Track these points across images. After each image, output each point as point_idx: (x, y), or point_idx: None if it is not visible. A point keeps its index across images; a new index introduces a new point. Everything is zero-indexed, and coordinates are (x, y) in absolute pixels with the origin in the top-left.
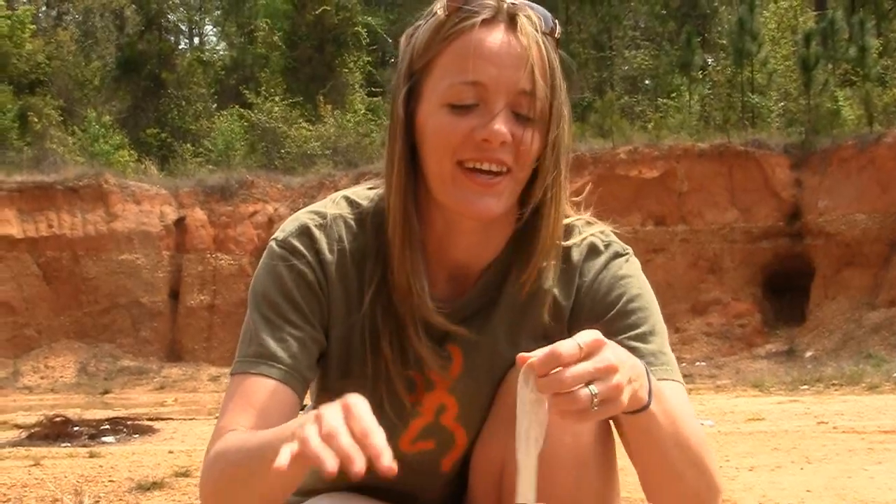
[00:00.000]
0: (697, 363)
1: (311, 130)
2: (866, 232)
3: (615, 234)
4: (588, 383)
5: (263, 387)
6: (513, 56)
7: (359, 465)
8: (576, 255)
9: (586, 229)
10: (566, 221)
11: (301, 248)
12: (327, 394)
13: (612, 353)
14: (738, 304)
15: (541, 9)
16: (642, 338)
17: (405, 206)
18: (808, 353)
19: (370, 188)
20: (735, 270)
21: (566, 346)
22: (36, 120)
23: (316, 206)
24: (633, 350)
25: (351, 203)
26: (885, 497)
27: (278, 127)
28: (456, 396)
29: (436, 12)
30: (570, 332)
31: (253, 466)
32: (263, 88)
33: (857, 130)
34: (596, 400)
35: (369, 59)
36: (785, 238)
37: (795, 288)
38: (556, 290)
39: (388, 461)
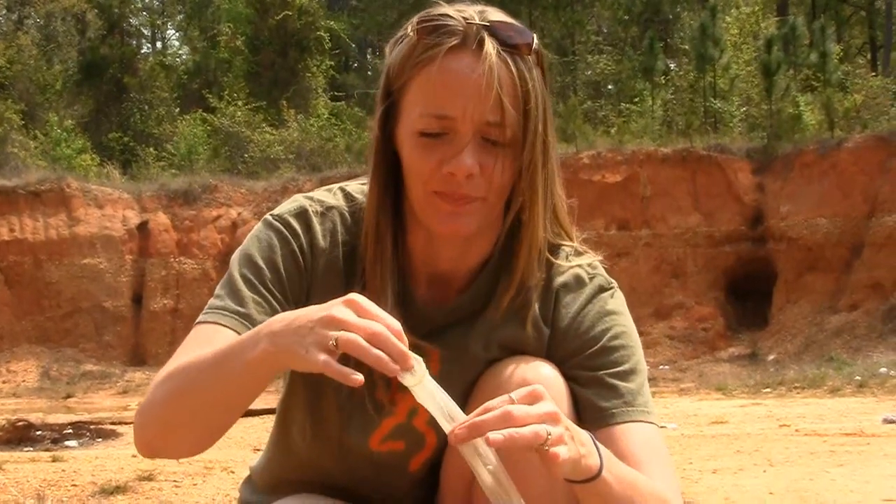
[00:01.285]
0: (661, 367)
1: (274, 135)
2: (828, 236)
3: (603, 265)
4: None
5: (223, 336)
6: (479, 86)
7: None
8: (557, 281)
9: (574, 259)
10: (558, 243)
11: (297, 227)
12: (302, 380)
13: (553, 405)
14: (700, 308)
15: (516, 25)
16: (622, 376)
17: (378, 222)
18: (771, 357)
19: (363, 184)
20: (698, 275)
21: (496, 400)
22: None
23: (314, 194)
24: (612, 388)
25: (347, 196)
26: (846, 499)
27: (241, 131)
28: None
29: (409, 33)
30: (549, 359)
31: (205, 374)
32: (226, 93)
33: (819, 135)
34: (550, 439)
35: (332, 63)
36: (747, 242)
37: (758, 292)
38: (537, 307)
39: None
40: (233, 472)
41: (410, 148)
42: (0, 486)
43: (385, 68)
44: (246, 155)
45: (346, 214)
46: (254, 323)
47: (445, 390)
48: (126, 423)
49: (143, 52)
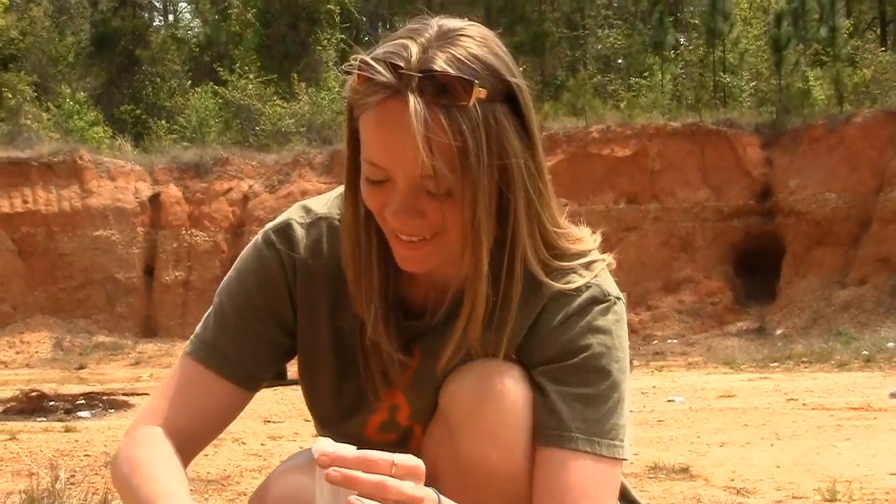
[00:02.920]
0: (669, 340)
1: (285, 108)
2: (836, 211)
3: (611, 273)
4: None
5: (202, 377)
6: (406, 141)
7: None
8: (548, 295)
9: (578, 274)
10: (572, 250)
11: (278, 243)
12: (306, 375)
13: (423, 491)
14: (709, 282)
15: (462, 67)
16: (587, 399)
17: (356, 242)
18: (779, 331)
19: None
20: (706, 249)
21: (379, 456)
22: (10, 96)
23: (309, 203)
24: (570, 409)
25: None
26: (852, 472)
27: (252, 104)
28: (406, 397)
29: (354, 70)
30: (520, 360)
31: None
32: (237, 66)
33: (828, 110)
34: None
35: (343, 36)
36: (756, 217)
37: (766, 266)
38: (506, 320)
39: None
40: (244, 444)
41: (362, 187)
42: (14, 456)
43: (346, 94)
44: (257, 128)
45: (338, 224)
46: (223, 356)
47: (417, 388)
48: (138, 395)
49: (154, 24)
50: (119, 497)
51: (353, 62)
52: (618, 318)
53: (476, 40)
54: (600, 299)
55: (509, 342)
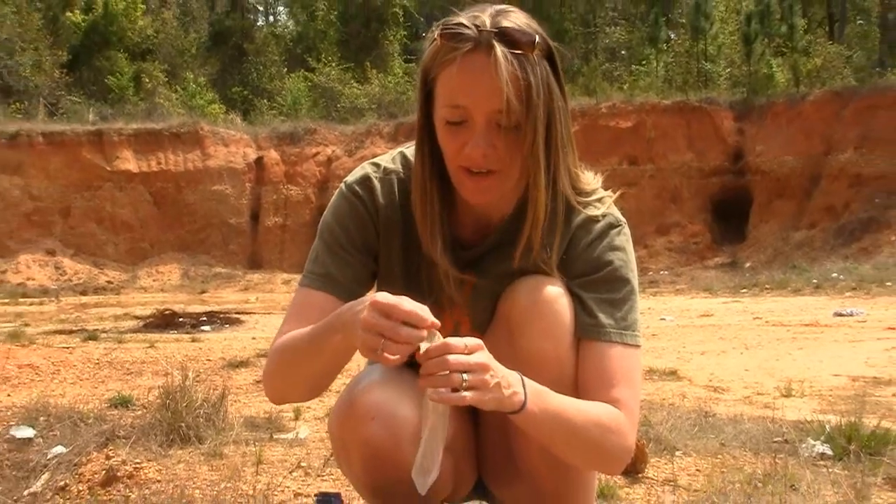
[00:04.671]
0: (661, 272)
1: (360, 89)
2: (793, 170)
3: (616, 206)
4: (464, 372)
5: (318, 299)
6: (487, 83)
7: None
8: (576, 221)
9: (594, 206)
10: (587, 189)
11: (361, 192)
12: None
13: (487, 356)
14: (692, 226)
15: (523, 28)
16: (614, 303)
17: (424, 186)
18: (747, 265)
19: None
20: (691, 200)
21: (455, 341)
22: (147, 80)
23: (379, 160)
24: (602, 310)
25: (405, 160)
26: (804, 374)
27: (334, 86)
28: (468, 311)
29: (435, 37)
30: (562, 277)
31: (303, 352)
32: (323, 56)
33: (787, 91)
34: (465, 384)
35: (405, 33)
36: (729, 175)
37: (737, 214)
38: (557, 240)
39: (431, 319)
40: None
41: (440, 132)
42: (153, 360)
43: (421, 63)
44: (338, 105)
45: (403, 175)
46: (334, 280)
47: (478, 301)
48: (247, 314)
49: (258, 24)
50: (287, 380)
51: (436, 29)
52: (627, 238)
53: (523, 15)
54: (615, 224)
55: (551, 263)
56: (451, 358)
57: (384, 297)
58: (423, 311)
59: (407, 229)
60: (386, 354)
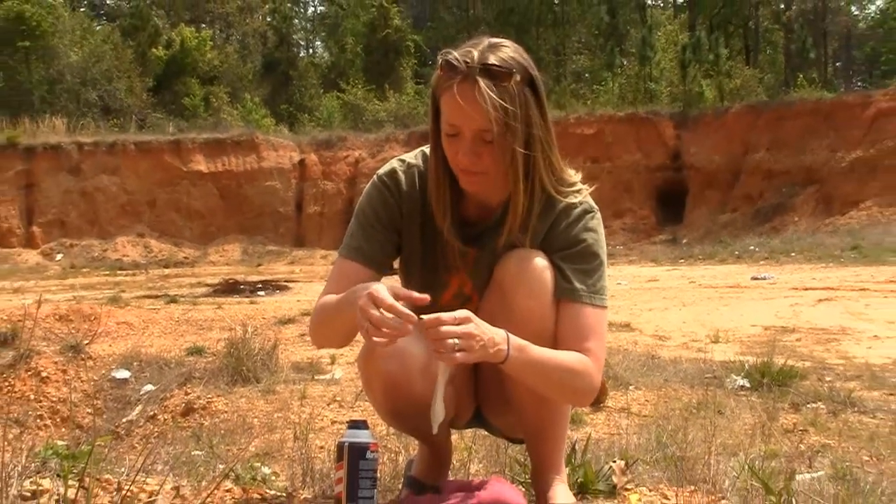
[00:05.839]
0: (617, 247)
1: (380, 106)
2: (719, 167)
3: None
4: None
5: (351, 267)
6: (472, 108)
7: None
8: (557, 208)
9: (573, 196)
10: (569, 181)
11: (388, 182)
12: (403, 267)
13: (475, 326)
14: (641, 211)
15: (506, 62)
16: (587, 272)
17: (437, 176)
18: (684, 241)
19: None
20: (640, 191)
21: (447, 316)
22: (214, 100)
23: (404, 156)
24: (577, 277)
25: (424, 157)
26: (728, 325)
27: (360, 104)
28: (470, 276)
29: (438, 66)
30: (543, 250)
31: (332, 314)
32: (351, 80)
33: (714, 105)
34: (457, 347)
35: (415, 61)
36: (670, 171)
37: (676, 201)
38: (536, 224)
39: (409, 313)
40: None
41: (443, 140)
42: (220, 318)
43: (430, 86)
44: (363, 118)
45: (423, 169)
46: (364, 252)
47: (480, 270)
48: (293, 282)
49: (300, 55)
50: (324, 333)
51: (440, 60)
52: (599, 222)
53: (511, 48)
54: (589, 210)
55: (534, 238)
56: (444, 329)
57: (378, 290)
58: (404, 308)
59: (425, 211)
60: (372, 336)
